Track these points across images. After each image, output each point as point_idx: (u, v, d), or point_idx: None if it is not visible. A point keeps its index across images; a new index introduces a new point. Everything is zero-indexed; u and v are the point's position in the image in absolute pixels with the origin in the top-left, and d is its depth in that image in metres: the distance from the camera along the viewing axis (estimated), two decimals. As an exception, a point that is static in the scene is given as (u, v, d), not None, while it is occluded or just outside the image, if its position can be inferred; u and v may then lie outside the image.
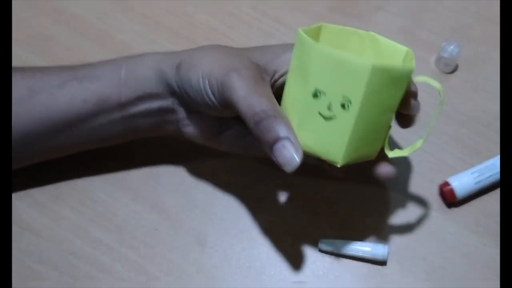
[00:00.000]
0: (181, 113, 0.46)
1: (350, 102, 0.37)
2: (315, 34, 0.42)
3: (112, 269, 0.47)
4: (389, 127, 0.41)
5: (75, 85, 0.45)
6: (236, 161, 0.52)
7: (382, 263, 0.47)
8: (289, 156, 0.37)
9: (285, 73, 0.42)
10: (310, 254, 0.48)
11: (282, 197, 0.51)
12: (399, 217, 0.50)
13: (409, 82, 0.40)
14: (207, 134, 0.47)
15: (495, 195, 0.51)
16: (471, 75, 0.59)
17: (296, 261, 0.48)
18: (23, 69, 0.47)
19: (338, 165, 0.39)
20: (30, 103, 0.45)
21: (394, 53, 0.42)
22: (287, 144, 0.37)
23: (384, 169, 0.43)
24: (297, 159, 0.37)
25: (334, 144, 0.38)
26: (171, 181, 0.51)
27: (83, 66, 0.47)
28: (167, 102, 0.45)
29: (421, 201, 0.51)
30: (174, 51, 0.46)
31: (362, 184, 0.51)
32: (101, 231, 0.48)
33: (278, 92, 0.42)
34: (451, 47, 0.57)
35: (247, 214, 0.50)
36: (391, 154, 0.42)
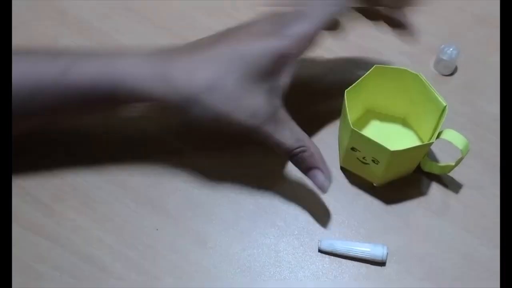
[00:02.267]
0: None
1: (379, 161, 0.47)
2: (369, 76, 0.50)
3: (113, 269, 0.47)
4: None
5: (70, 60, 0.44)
6: (236, 161, 0.52)
7: (381, 263, 0.48)
8: (322, 180, 0.46)
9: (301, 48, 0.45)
10: (310, 254, 0.48)
11: (282, 197, 0.51)
12: (398, 218, 0.50)
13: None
14: None
15: (495, 197, 0.51)
16: (470, 77, 0.59)
17: (295, 261, 0.48)
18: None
19: (375, 185, 0.51)
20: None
21: (435, 104, 0.48)
22: (318, 173, 0.46)
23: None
24: (327, 183, 0.46)
25: (372, 173, 0.50)
26: (171, 181, 0.51)
27: (51, 69, 0.45)
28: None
29: (420, 202, 0.51)
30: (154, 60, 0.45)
31: (361, 185, 0.52)
32: (102, 231, 0.49)
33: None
34: (450, 49, 0.57)
35: (247, 214, 0.50)
36: (431, 170, 0.52)
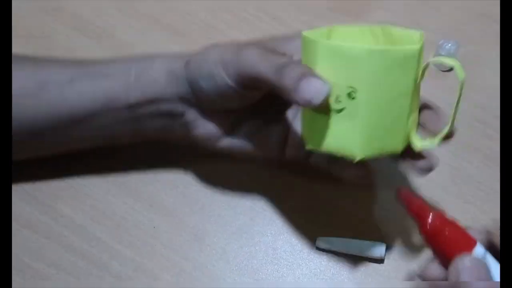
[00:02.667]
0: (191, 115, 0.45)
1: (356, 91, 0.37)
2: (325, 37, 0.42)
3: (110, 267, 0.47)
4: (412, 116, 0.40)
5: (85, 82, 0.45)
6: (234, 160, 0.52)
7: (379, 261, 0.47)
8: (318, 85, 0.36)
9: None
10: (307, 252, 0.48)
11: (280, 195, 0.51)
12: (396, 215, 0.50)
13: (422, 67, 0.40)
14: (217, 135, 0.45)
15: (492, 195, 0.51)
16: (469, 73, 0.58)
17: (293, 259, 0.48)
18: (35, 60, 0.47)
19: (357, 159, 0.38)
20: (38, 97, 0.45)
21: (409, 41, 0.41)
22: (312, 78, 0.37)
23: (423, 163, 0.42)
24: (326, 86, 0.36)
25: (349, 137, 0.38)
26: (169, 179, 0.51)
27: (96, 62, 0.47)
28: (177, 106, 0.45)
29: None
30: (185, 52, 0.45)
31: (360, 182, 0.51)
32: (100, 229, 0.49)
33: None
34: (449, 45, 0.57)
35: (244, 212, 0.50)
36: (418, 145, 0.41)
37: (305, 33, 0.39)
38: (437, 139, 0.40)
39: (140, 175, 0.51)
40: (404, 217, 0.49)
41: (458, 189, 0.51)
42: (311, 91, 0.36)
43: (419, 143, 0.41)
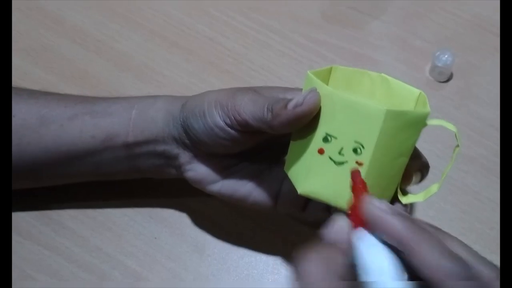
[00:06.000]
0: (185, 157, 0.44)
1: (363, 147, 0.35)
2: (325, 76, 0.41)
3: (111, 277, 0.47)
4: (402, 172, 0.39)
5: (86, 120, 0.45)
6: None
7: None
8: (304, 94, 0.36)
9: None
10: (307, 261, 0.48)
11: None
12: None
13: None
14: (208, 179, 0.45)
15: (488, 205, 0.52)
16: (465, 83, 0.60)
17: (294, 269, 0.48)
18: (36, 95, 0.47)
19: (346, 211, 0.36)
20: (38, 132, 0.45)
21: (406, 95, 0.41)
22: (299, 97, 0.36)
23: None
24: (315, 93, 0.36)
25: (344, 190, 0.36)
26: (169, 190, 0.51)
27: (99, 100, 0.47)
28: (172, 147, 0.44)
29: (416, 208, 0.51)
30: (185, 96, 0.45)
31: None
32: (101, 239, 0.49)
33: None
34: (445, 56, 0.58)
35: (244, 222, 0.50)
36: (404, 200, 0.40)
37: (310, 73, 0.38)
38: (422, 195, 0.40)
39: (141, 187, 0.51)
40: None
41: (455, 198, 0.52)
42: (299, 99, 0.36)
43: (405, 198, 0.40)
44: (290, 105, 0.36)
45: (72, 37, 0.61)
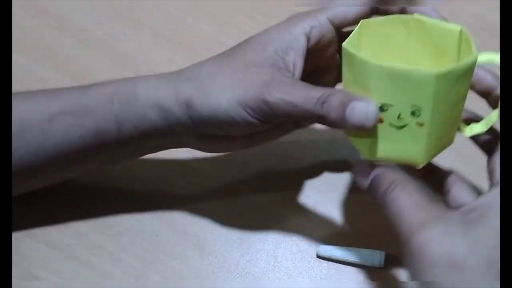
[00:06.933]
0: (189, 137, 0.44)
1: (421, 109, 0.36)
2: (357, 35, 0.40)
3: (112, 275, 0.47)
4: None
5: (68, 120, 0.43)
6: (235, 167, 0.53)
7: (378, 269, 0.48)
8: (364, 108, 0.36)
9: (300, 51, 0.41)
10: (308, 260, 0.48)
11: (280, 203, 0.51)
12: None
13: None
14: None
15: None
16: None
17: (294, 267, 0.48)
18: (17, 99, 0.44)
19: (420, 166, 0.39)
20: (23, 138, 0.42)
21: (445, 35, 0.40)
22: (355, 103, 0.36)
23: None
24: (372, 107, 0.36)
25: (412, 149, 0.38)
26: (170, 188, 0.52)
27: (70, 95, 0.44)
28: (172, 133, 0.43)
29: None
30: (165, 76, 0.43)
31: (358, 191, 0.52)
32: (102, 237, 0.49)
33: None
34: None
35: (245, 220, 0.50)
36: (468, 132, 0.41)
37: (349, 47, 0.37)
38: (484, 124, 0.41)
39: (142, 184, 0.52)
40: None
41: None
42: (360, 117, 0.36)
43: (469, 130, 0.41)
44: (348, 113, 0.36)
45: (75, 36, 0.62)
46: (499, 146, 0.40)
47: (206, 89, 0.41)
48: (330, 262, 0.48)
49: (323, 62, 0.45)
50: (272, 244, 0.49)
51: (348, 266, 0.48)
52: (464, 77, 0.37)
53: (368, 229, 0.50)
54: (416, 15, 0.41)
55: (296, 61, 0.41)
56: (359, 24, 0.40)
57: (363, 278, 0.48)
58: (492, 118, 0.40)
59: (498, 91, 0.41)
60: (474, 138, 0.44)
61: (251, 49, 0.41)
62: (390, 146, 0.38)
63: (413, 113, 0.36)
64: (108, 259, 0.48)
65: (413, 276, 0.34)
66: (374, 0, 0.40)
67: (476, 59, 0.37)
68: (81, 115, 0.43)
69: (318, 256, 0.48)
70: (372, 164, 0.39)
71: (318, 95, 0.37)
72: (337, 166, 0.53)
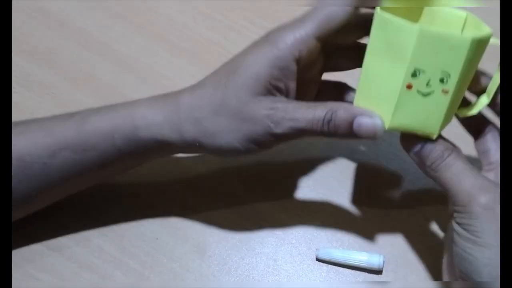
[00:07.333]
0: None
1: (449, 76, 0.38)
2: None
3: (113, 277, 0.47)
4: None
5: (70, 155, 0.43)
6: (235, 172, 0.53)
7: (377, 272, 0.48)
8: (370, 124, 0.39)
9: (306, 53, 0.41)
10: (307, 263, 0.49)
11: (279, 207, 0.52)
12: (394, 227, 0.51)
13: None
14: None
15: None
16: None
17: (293, 270, 0.48)
18: (16, 131, 0.44)
19: (434, 137, 0.40)
20: (25, 174, 0.43)
21: (452, 20, 0.43)
22: (360, 119, 0.39)
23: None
24: (378, 120, 0.39)
25: (431, 118, 0.39)
26: (171, 190, 0.52)
27: (66, 131, 0.44)
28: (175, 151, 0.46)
29: (416, 211, 0.51)
30: (162, 110, 0.43)
31: (358, 194, 0.52)
32: (103, 240, 0.49)
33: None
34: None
35: (245, 223, 0.51)
36: (461, 113, 0.43)
37: (382, 12, 0.38)
38: (476, 108, 0.42)
39: (143, 187, 0.52)
40: (402, 229, 0.51)
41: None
42: (368, 132, 0.39)
43: (461, 112, 0.43)
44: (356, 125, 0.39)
45: (76, 39, 0.62)
46: (488, 128, 0.44)
47: (211, 131, 0.42)
48: (329, 265, 0.49)
49: (308, 78, 0.46)
50: (271, 247, 0.49)
51: (348, 269, 0.48)
52: (483, 48, 0.39)
53: (368, 233, 0.50)
54: (425, 2, 0.43)
55: (289, 85, 0.42)
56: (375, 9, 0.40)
57: (362, 281, 0.48)
58: (482, 101, 0.42)
59: (482, 80, 0.43)
60: (463, 121, 0.46)
61: (245, 83, 0.41)
62: (412, 114, 0.39)
63: (441, 80, 0.38)
64: (109, 261, 0.48)
65: (472, 233, 0.37)
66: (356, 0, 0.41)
67: (491, 33, 0.39)
68: (82, 150, 0.43)
69: (318, 259, 0.49)
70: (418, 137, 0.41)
71: (322, 115, 0.39)
72: (336, 169, 0.54)
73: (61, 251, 0.49)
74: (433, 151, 0.40)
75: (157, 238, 0.49)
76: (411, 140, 0.41)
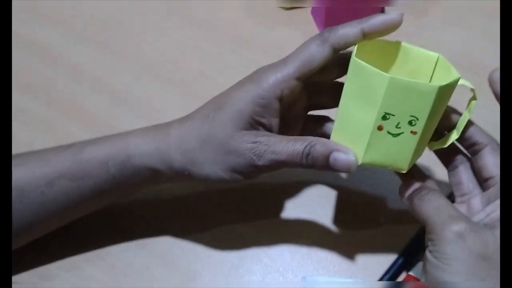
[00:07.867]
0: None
1: (417, 119, 0.41)
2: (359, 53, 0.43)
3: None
4: None
5: (66, 183, 0.45)
6: (223, 199, 0.54)
7: (363, 298, 0.49)
8: (345, 159, 0.41)
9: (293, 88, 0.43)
10: (295, 290, 0.50)
11: (267, 235, 0.52)
12: (381, 253, 0.52)
13: None
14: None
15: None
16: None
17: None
18: (13, 164, 0.46)
19: (404, 171, 0.43)
20: (22, 202, 0.45)
21: (424, 61, 0.45)
22: (336, 154, 0.42)
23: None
24: (352, 156, 0.41)
25: (401, 155, 0.42)
26: (160, 221, 0.53)
27: (63, 160, 0.46)
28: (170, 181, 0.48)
29: (401, 232, 0.52)
30: (154, 140, 0.46)
31: (345, 221, 0.53)
32: (94, 268, 0.50)
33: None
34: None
35: (233, 251, 0.51)
36: (431, 147, 0.46)
37: (359, 60, 0.40)
38: (445, 141, 0.46)
39: (133, 217, 0.53)
40: (389, 254, 0.51)
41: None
42: (343, 166, 0.42)
43: (433, 146, 0.46)
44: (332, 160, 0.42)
45: (69, 74, 0.64)
46: (460, 160, 0.47)
47: (199, 161, 0.44)
48: (316, 292, 0.49)
49: (294, 114, 0.48)
50: (259, 275, 0.50)
51: (334, 296, 0.49)
52: (451, 91, 0.42)
53: (354, 258, 0.51)
54: (398, 41, 0.45)
55: (272, 121, 0.44)
56: (356, 46, 0.43)
57: (348, 307, 0.49)
58: (452, 136, 0.45)
59: (452, 117, 0.46)
60: (436, 152, 0.48)
61: (230, 118, 0.43)
62: (383, 151, 0.42)
63: (410, 123, 0.41)
64: (100, 291, 0.49)
65: (442, 260, 0.39)
66: (335, 39, 0.43)
67: (459, 77, 0.42)
68: (78, 178, 0.46)
69: None
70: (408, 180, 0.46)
71: (301, 148, 0.42)
72: (322, 192, 0.55)
73: (51, 279, 0.49)
74: (415, 191, 0.44)
75: (148, 268, 0.50)
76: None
